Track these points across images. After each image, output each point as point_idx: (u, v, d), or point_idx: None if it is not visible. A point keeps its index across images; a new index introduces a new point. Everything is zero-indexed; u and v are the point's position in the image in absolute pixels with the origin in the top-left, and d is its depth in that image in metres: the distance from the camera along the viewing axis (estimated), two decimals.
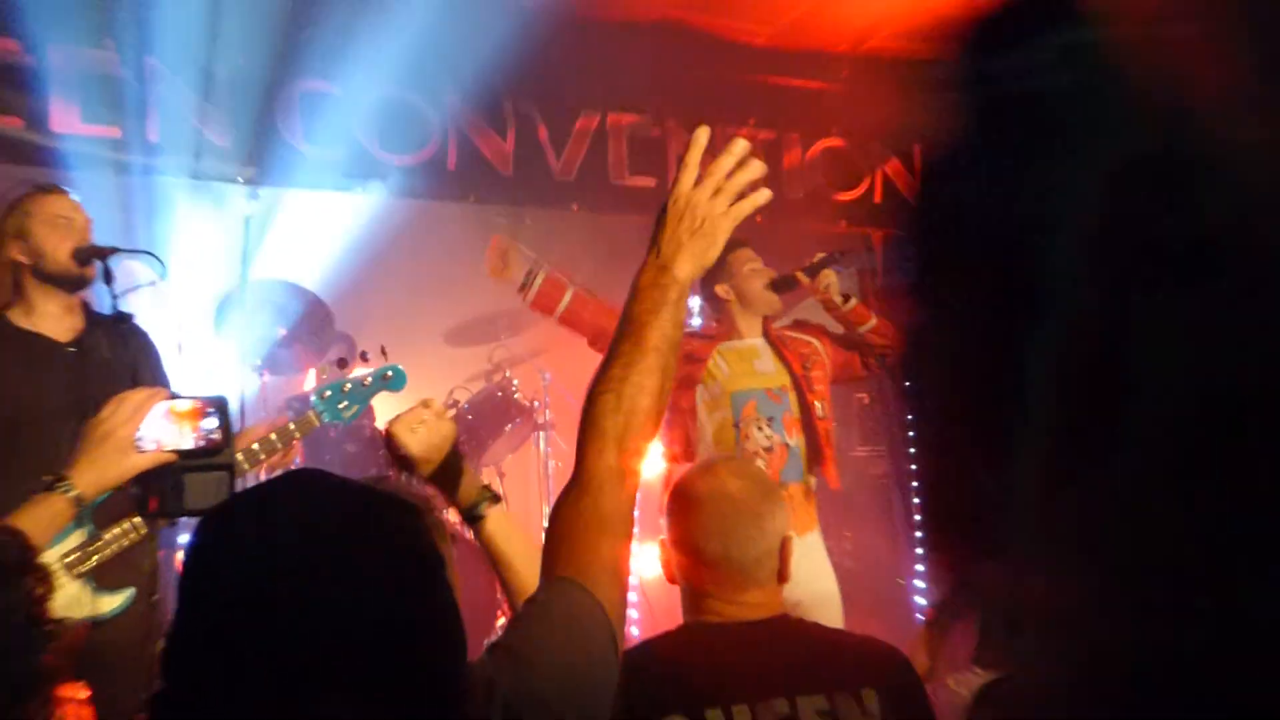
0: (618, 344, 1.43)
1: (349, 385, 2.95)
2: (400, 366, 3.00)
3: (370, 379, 2.96)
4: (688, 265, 1.44)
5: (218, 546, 0.98)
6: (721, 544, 1.87)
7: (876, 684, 1.85)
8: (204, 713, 0.93)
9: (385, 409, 3.32)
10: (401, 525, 1.01)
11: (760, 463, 3.48)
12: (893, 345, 3.83)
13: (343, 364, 3.77)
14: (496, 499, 1.99)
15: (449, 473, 1.98)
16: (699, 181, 1.45)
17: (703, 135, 1.46)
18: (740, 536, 1.89)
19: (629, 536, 1.38)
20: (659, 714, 1.69)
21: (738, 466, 2.09)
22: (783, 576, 1.94)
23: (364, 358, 3.65)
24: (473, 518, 1.98)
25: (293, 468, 3.26)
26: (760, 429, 3.58)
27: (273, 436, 2.77)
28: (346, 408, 2.94)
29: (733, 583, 1.90)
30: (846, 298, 3.82)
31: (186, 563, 0.98)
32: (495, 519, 1.98)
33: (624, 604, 1.36)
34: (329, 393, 2.93)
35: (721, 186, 1.45)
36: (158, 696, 0.96)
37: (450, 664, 1.02)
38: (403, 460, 1.93)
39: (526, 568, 1.90)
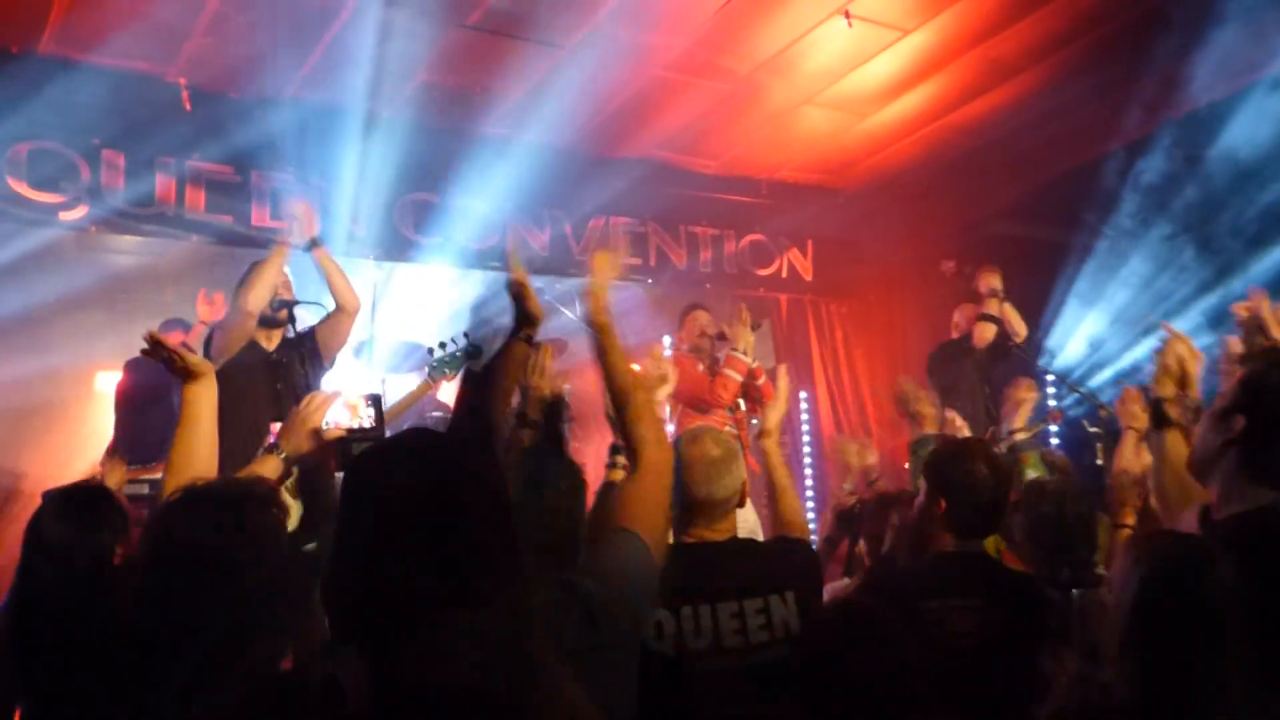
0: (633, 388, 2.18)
1: (449, 356, 4.63)
2: (482, 346, 4.49)
3: (462, 352, 4.57)
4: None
5: (370, 467, 1.25)
6: (706, 489, 2.35)
7: (794, 586, 2.35)
8: (366, 573, 1.16)
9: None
10: (479, 455, 1.27)
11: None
12: (766, 394, 5.34)
13: (443, 346, 4.82)
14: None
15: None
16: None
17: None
18: (718, 484, 2.37)
19: (668, 502, 1.98)
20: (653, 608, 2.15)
21: (716, 436, 2.50)
22: (741, 503, 2.47)
23: (466, 335, 4.66)
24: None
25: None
26: None
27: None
28: (452, 368, 4.66)
29: (711, 514, 2.39)
30: (753, 360, 5.52)
31: (350, 474, 1.24)
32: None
33: (666, 539, 1.85)
34: (445, 358, 4.64)
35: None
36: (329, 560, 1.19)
37: (513, 542, 1.22)
38: (528, 312, 2.51)
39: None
